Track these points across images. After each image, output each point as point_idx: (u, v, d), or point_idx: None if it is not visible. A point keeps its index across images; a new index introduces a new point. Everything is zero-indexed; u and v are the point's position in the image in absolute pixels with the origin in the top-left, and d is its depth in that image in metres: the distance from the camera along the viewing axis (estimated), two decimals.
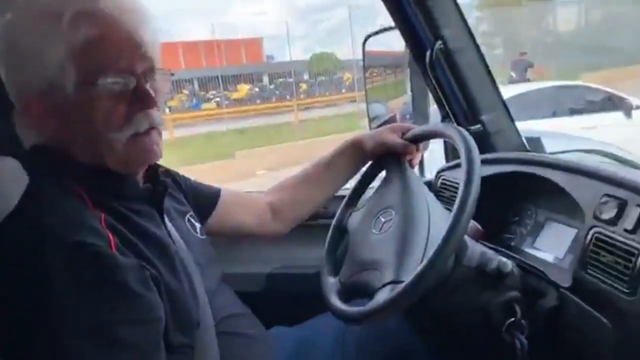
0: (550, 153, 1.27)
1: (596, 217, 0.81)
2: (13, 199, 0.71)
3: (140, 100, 0.71)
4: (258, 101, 15.78)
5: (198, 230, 0.94)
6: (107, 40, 0.68)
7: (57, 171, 0.72)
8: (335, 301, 0.89)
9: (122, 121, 0.71)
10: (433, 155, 1.38)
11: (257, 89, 16.32)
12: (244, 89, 15.81)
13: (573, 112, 5.69)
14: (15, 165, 0.89)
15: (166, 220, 0.82)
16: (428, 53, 1.14)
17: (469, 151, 0.82)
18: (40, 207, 0.67)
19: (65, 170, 0.72)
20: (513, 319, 0.83)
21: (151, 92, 0.72)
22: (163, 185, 0.82)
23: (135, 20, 0.71)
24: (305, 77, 17.17)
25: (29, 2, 0.70)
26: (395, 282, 0.79)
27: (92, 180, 0.72)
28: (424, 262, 0.75)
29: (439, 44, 1.12)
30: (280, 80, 16.32)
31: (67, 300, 0.60)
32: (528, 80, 8.38)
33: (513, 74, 8.91)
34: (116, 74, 0.69)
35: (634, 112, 5.56)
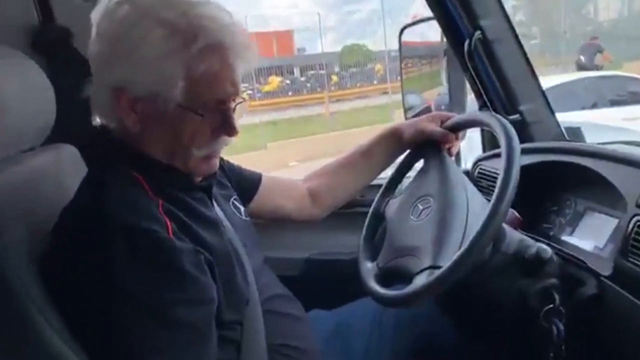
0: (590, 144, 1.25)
1: (639, 206, 0.81)
2: (74, 186, 0.76)
3: (226, 127, 0.77)
4: (290, 93, 15.84)
5: (242, 212, 0.98)
6: (220, 76, 0.73)
7: (119, 158, 0.76)
8: (374, 285, 0.91)
9: (205, 142, 0.76)
10: (471, 145, 1.38)
11: (288, 82, 16.36)
12: (275, 81, 15.87)
13: (614, 103, 5.49)
14: (75, 153, 0.95)
15: (214, 203, 0.86)
16: (466, 43, 1.14)
17: (509, 139, 0.83)
18: (102, 194, 0.70)
19: (126, 158, 0.76)
20: (551, 305, 0.84)
21: (235, 123, 0.78)
22: (212, 174, 0.86)
23: (237, 54, 0.74)
24: (337, 69, 17.08)
25: (160, 12, 0.71)
26: (433, 267, 0.80)
27: (153, 170, 0.76)
28: (462, 248, 0.76)
29: (477, 33, 1.12)
30: (312, 72, 16.31)
31: (127, 282, 0.64)
32: (596, 67, 8.17)
33: (582, 58, 8.77)
34: (214, 104, 0.74)
35: None
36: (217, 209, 0.87)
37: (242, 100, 0.79)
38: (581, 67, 8.36)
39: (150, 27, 0.70)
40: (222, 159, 1.05)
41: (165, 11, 0.71)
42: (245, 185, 1.07)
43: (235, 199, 0.98)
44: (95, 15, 0.73)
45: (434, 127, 1.05)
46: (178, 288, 0.67)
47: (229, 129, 0.77)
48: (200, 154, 0.77)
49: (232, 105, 0.77)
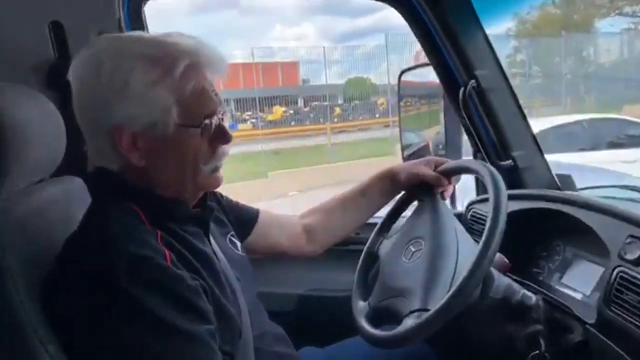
0: (582, 188, 1.28)
1: (621, 257, 0.83)
2: (80, 216, 0.80)
3: (221, 136, 0.82)
4: (293, 123, 16.03)
5: (239, 248, 1.01)
6: (205, 91, 0.80)
7: (118, 192, 0.80)
8: (365, 324, 0.93)
9: (208, 156, 0.82)
10: (466, 187, 1.42)
11: (292, 112, 16.58)
12: (279, 111, 16.08)
13: (612, 145, 5.56)
14: (82, 185, 0.99)
15: (211, 239, 0.90)
16: (462, 91, 1.19)
17: (496, 188, 0.86)
18: (105, 223, 0.75)
19: (125, 192, 0.80)
20: (537, 351, 0.86)
21: (228, 130, 0.83)
22: (210, 209, 0.90)
23: (214, 70, 0.82)
24: (340, 101, 17.33)
25: (137, 49, 0.77)
26: (422, 310, 0.83)
27: (150, 203, 0.80)
28: (451, 291, 0.79)
29: (472, 83, 1.17)
30: (315, 103, 16.54)
31: (133, 308, 0.67)
32: None
33: None
34: (206, 118, 0.80)
35: None
36: (213, 244, 0.89)
37: (224, 110, 0.84)
38: None
39: (133, 64, 0.76)
40: (221, 196, 1.08)
41: (140, 47, 0.77)
42: (243, 221, 1.10)
43: (232, 235, 1.01)
44: (74, 71, 0.78)
45: (428, 172, 1.08)
46: (181, 310, 0.70)
47: (224, 137, 0.82)
48: (208, 169, 0.82)
49: (220, 115, 0.83)
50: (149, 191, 0.80)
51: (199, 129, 0.79)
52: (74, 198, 0.93)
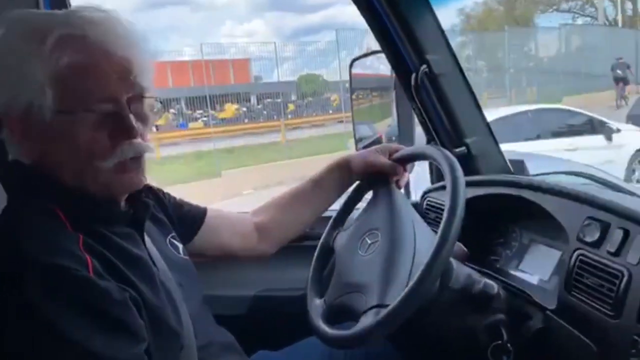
0: (534, 175, 1.28)
1: (580, 240, 0.82)
2: None
3: (123, 130, 0.71)
4: (246, 120, 15.83)
5: (180, 250, 0.92)
6: (92, 68, 0.68)
7: (35, 191, 0.70)
8: (320, 324, 0.88)
9: (106, 151, 0.70)
10: (419, 176, 1.39)
11: (244, 109, 16.38)
12: (231, 108, 15.84)
13: (555, 134, 5.82)
14: None
15: (147, 240, 0.81)
16: (413, 77, 1.15)
17: (453, 174, 0.83)
18: (18, 231, 0.65)
19: (43, 190, 0.70)
20: (499, 341, 0.83)
21: (133, 122, 0.71)
22: (145, 207, 0.81)
23: (124, 46, 0.70)
24: (293, 97, 17.28)
25: (19, 19, 0.70)
26: (380, 305, 0.78)
27: (72, 202, 0.70)
28: (409, 285, 0.74)
29: (423, 68, 1.14)
30: (268, 100, 16.42)
31: (45, 325, 0.59)
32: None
33: (619, 72, 12.47)
34: (98, 103, 0.68)
35: (614, 136, 5.72)
36: (150, 246, 0.81)
37: (150, 97, 0.74)
38: (618, 79, 12.41)
39: (8, 39, 0.68)
40: (162, 192, 0.99)
41: (20, 22, 0.69)
42: (189, 221, 1.01)
43: (173, 237, 0.92)
44: None
45: (383, 160, 1.04)
46: (103, 329, 0.62)
47: (127, 131, 0.70)
48: (108, 166, 0.70)
49: (137, 104, 0.72)
50: (63, 187, 0.70)
51: (86, 114, 0.67)
52: None
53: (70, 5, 1.22)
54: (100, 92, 0.68)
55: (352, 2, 1.18)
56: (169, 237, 0.91)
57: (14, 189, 0.74)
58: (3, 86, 0.68)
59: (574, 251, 0.81)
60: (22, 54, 0.67)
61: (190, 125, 15.38)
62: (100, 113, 0.69)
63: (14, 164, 0.73)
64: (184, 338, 0.75)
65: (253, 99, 17.38)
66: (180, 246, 0.92)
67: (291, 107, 16.48)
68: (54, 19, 0.69)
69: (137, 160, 0.74)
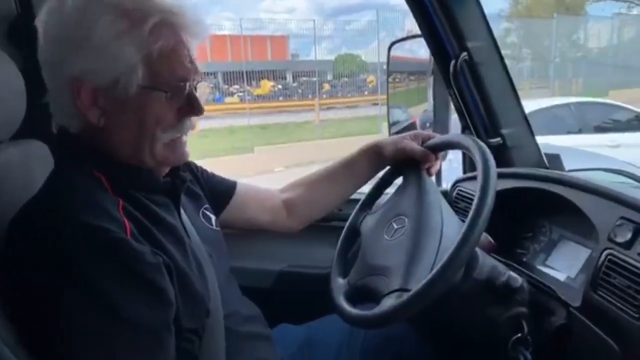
0: (570, 170, 1.26)
1: (610, 239, 0.80)
2: (41, 183, 0.74)
3: (190, 106, 0.76)
4: (280, 98, 15.84)
5: (213, 222, 0.96)
6: (174, 52, 0.73)
7: (81, 156, 0.74)
8: (342, 302, 0.90)
9: (171, 124, 0.76)
10: (452, 165, 1.38)
11: (280, 86, 16.38)
12: (267, 85, 15.86)
13: (598, 129, 5.59)
14: (44, 149, 0.92)
15: (182, 211, 0.84)
16: (452, 63, 1.13)
17: (485, 164, 0.82)
18: (61, 191, 0.69)
19: (88, 156, 0.74)
20: (520, 334, 0.83)
21: (201, 101, 0.77)
22: (181, 179, 0.84)
23: (197, 34, 0.76)
24: (329, 77, 17.14)
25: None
26: (402, 289, 0.79)
27: (116, 169, 0.74)
28: (433, 271, 0.75)
29: (464, 55, 1.12)
30: (304, 78, 16.34)
31: (82, 280, 0.63)
32: None
33: None
34: (176, 82, 0.74)
35: None
36: (183, 217, 0.84)
37: (201, 79, 0.79)
38: None
39: (98, 13, 0.69)
40: (196, 167, 1.02)
41: (118, 2, 0.71)
42: (219, 193, 1.04)
43: (206, 208, 0.96)
44: (41, 17, 0.72)
45: (415, 146, 1.04)
46: (134, 288, 0.65)
47: (195, 108, 0.77)
48: (166, 138, 0.76)
49: (194, 83, 0.77)
50: (110, 156, 0.74)
51: (164, 92, 0.72)
52: (34, 162, 0.87)
53: None
54: (178, 72, 0.74)
55: None
56: (202, 208, 0.95)
57: (62, 156, 0.77)
58: (90, 56, 0.70)
59: (604, 250, 0.80)
60: (118, 32, 0.69)
61: (227, 100, 15.52)
62: (175, 91, 0.74)
63: (62, 132, 0.76)
64: (211, 305, 0.79)
65: (289, 77, 17.35)
66: (213, 217, 0.96)
67: (326, 86, 16.37)
68: (151, 4, 0.72)
69: (186, 136, 0.79)
